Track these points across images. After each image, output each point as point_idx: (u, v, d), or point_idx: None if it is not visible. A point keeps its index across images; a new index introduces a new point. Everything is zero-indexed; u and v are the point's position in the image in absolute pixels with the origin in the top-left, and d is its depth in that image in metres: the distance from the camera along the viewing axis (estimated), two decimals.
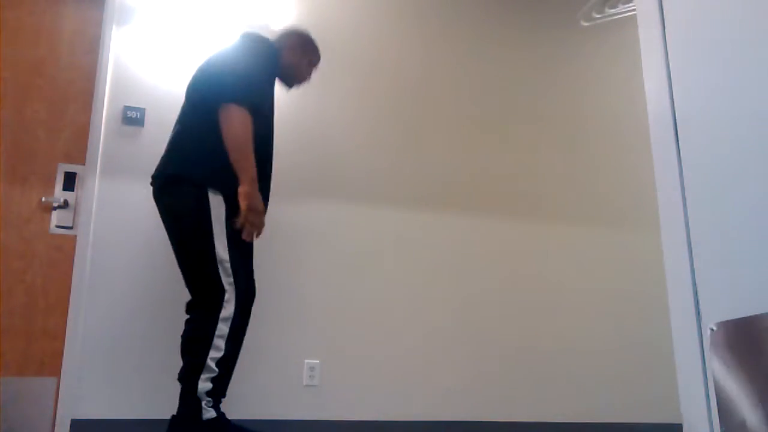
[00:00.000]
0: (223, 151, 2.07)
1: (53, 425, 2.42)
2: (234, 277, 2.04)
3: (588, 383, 3.08)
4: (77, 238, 2.60)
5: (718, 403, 1.27)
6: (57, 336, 2.51)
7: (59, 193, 2.66)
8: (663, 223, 1.51)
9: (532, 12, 3.57)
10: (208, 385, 1.96)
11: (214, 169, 2.07)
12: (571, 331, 3.14)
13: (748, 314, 1.22)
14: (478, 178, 3.21)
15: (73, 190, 2.67)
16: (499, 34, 3.48)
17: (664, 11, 1.55)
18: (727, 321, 1.27)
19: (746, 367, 1.21)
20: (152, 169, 2.21)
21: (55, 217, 2.64)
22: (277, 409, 2.66)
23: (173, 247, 2.16)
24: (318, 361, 2.76)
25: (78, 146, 2.72)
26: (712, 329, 1.31)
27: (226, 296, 2.01)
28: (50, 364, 2.50)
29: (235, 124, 2.04)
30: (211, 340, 1.97)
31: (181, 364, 2.06)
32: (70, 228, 2.64)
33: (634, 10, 1.96)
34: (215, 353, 1.97)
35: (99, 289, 2.57)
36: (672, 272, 1.46)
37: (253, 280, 2.30)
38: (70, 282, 2.55)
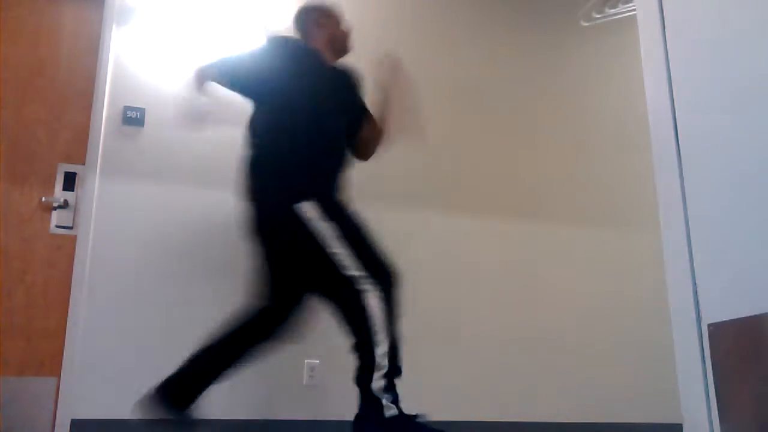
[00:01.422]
0: (292, 159, 2.09)
1: (53, 425, 2.42)
2: (363, 271, 2.04)
3: (588, 383, 3.07)
4: (77, 238, 2.60)
5: (718, 403, 1.27)
6: (57, 336, 2.51)
7: (59, 193, 2.66)
8: (663, 223, 1.51)
9: (532, 12, 3.57)
10: (382, 383, 1.96)
11: (291, 186, 2.06)
12: (572, 331, 3.14)
13: (748, 314, 1.22)
14: (477, 178, 3.21)
15: (73, 190, 2.67)
16: (499, 34, 3.48)
17: (664, 11, 1.55)
18: (727, 321, 1.27)
19: (746, 366, 1.21)
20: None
21: (55, 217, 2.64)
22: (277, 409, 2.66)
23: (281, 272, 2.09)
24: (318, 361, 2.76)
25: (78, 146, 2.72)
26: (711, 329, 1.31)
27: (364, 292, 2.02)
28: (50, 364, 2.50)
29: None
30: (372, 337, 1.97)
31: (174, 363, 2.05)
32: (70, 228, 2.64)
33: (634, 10, 1.96)
34: (380, 348, 1.97)
35: (99, 289, 2.57)
36: (672, 272, 1.46)
37: (386, 261, 2.19)
38: (70, 282, 2.55)
